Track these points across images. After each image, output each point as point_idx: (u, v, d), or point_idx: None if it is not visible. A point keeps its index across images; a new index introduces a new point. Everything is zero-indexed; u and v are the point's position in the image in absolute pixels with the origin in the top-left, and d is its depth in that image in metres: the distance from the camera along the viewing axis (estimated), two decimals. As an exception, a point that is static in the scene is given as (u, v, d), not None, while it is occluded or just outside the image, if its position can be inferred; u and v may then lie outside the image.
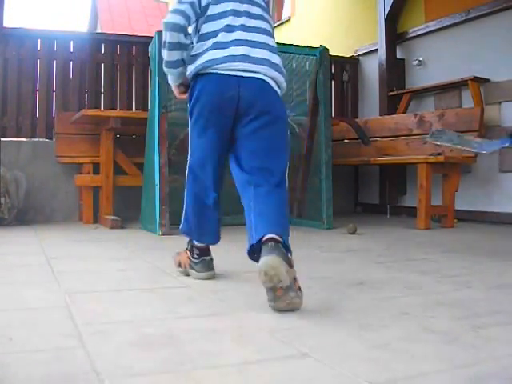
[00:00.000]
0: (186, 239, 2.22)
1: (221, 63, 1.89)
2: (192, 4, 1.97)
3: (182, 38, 1.98)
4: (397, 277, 2.19)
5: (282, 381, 1.05)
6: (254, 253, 1.72)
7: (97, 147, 4.54)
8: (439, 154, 4.37)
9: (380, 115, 5.77)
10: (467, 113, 4.55)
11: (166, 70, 2.11)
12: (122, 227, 4.05)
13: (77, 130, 4.68)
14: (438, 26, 5.32)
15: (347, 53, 6.47)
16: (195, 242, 2.15)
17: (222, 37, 1.93)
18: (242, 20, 1.96)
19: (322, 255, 2.85)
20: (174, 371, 1.09)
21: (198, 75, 1.95)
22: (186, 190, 2.12)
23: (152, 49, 3.88)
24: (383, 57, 5.79)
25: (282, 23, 8.95)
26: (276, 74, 1.93)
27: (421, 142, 4.83)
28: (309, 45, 4.54)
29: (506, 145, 4.11)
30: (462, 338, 1.34)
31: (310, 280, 2.09)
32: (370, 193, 6.04)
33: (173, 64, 2.05)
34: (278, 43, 2.09)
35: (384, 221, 5.03)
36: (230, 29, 1.94)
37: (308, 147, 4.57)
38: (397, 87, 5.73)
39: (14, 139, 4.81)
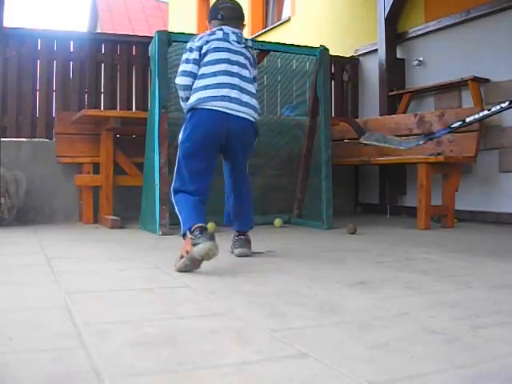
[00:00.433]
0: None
1: (219, 101, 2.46)
2: (195, 61, 2.56)
3: (191, 87, 2.59)
4: (397, 277, 2.19)
5: (281, 381, 1.05)
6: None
7: (97, 147, 4.54)
8: (439, 154, 4.37)
9: (380, 115, 5.77)
10: (467, 113, 4.54)
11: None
12: (121, 227, 4.05)
13: (77, 129, 4.68)
14: (438, 26, 5.32)
15: (347, 53, 6.47)
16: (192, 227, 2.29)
17: (219, 79, 2.50)
18: (236, 69, 2.55)
19: (322, 255, 2.85)
20: (173, 371, 1.09)
21: (195, 108, 2.48)
22: (175, 206, 2.47)
23: (152, 49, 3.87)
24: (383, 57, 5.79)
25: (281, 23, 8.94)
26: (255, 115, 2.60)
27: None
28: (309, 45, 4.53)
29: (421, 142, 4.49)
30: (462, 338, 1.34)
31: (310, 280, 2.10)
32: (370, 193, 6.03)
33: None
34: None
35: (384, 221, 5.03)
36: (226, 73, 2.51)
37: (308, 147, 4.57)
38: (397, 87, 5.72)
39: (14, 139, 4.81)
